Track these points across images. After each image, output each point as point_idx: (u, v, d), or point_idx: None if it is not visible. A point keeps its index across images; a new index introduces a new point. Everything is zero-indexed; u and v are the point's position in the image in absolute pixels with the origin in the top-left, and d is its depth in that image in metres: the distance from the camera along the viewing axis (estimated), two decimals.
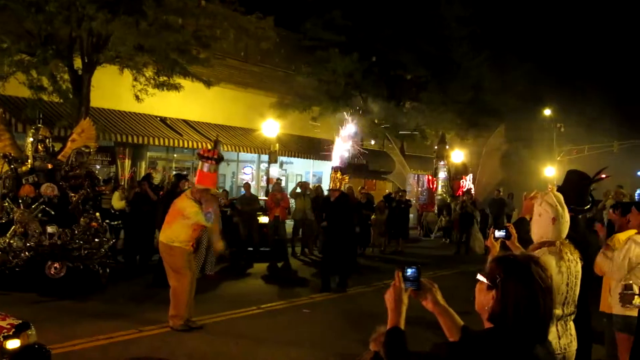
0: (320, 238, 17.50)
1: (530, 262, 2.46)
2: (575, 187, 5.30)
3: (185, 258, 9.27)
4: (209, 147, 9.51)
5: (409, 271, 2.75)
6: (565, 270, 4.17)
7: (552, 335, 4.06)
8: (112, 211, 15.19)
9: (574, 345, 4.28)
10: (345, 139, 19.35)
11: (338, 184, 13.26)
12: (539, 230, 4.33)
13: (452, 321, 2.76)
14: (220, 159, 9.71)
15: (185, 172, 20.33)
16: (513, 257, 2.54)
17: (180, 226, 9.22)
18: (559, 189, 5.44)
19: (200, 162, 9.59)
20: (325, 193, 17.69)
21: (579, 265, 4.30)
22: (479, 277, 2.54)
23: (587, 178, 5.39)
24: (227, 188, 23.82)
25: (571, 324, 4.32)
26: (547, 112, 43.85)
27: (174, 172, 19.08)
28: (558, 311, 4.12)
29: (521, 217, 5.33)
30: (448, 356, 2.48)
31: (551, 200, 4.29)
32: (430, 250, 22.04)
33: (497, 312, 2.42)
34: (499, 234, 4.59)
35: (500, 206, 25.09)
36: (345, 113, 21.40)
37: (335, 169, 14.07)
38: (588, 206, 5.45)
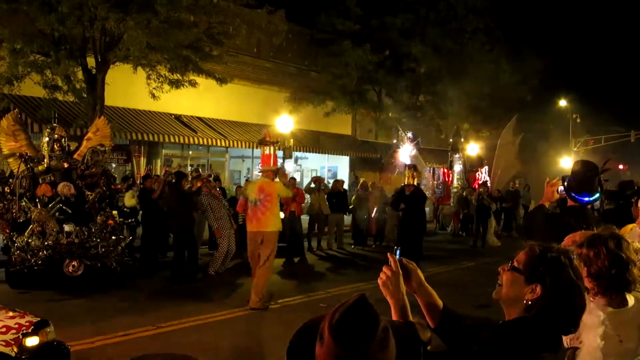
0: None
1: (569, 254, 2.48)
2: (580, 177, 5.21)
3: None
4: (265, 134, 11.45)
5: (397, 254, 2.61)
6: None
7: None
8: (124, 209, 15.26)
9: None
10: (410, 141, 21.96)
11: (412, 179, 15.28)
12: None
13: (435, 303, 2.69)
14: (277, 142, 11.67)
15: (199, 170, 20.35)
16: (552, 250, 2.49)
17: (278, 210, 10.73)
18: (564, 179, 5.36)
19: (262, 147, 11.19)
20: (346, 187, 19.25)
21: None
22: (511, 267, 2.51)
23: (594, 169, 5.27)
24: (242, 184, 23.83)
25: None
26: (563, 102, 43.53)
27: (190, 169, 19.09)
28: None
29: (540, 205, 5.26)
30: (487, 347, 2.43)
31: None
32: (446, 243, 21.95)
33: (542, 303, 2.40)
34: None
35: (515, 198, 25.09)
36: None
37: (409, 167, 16.21)
38: (595, 197, 5.34)
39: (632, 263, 2.97)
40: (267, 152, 11.01)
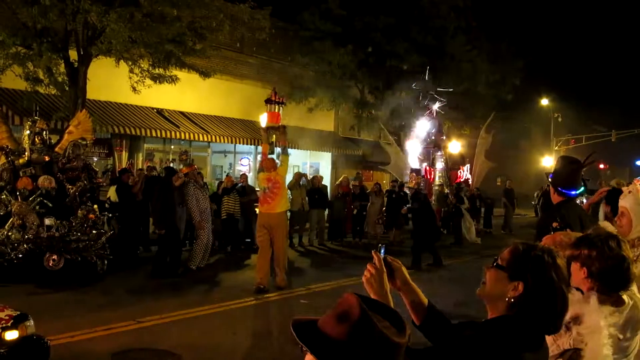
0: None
1: (554, 253, 2.49)
2: (564, 171, 5.27)
3: None
4: (271, 94, 12.52)
5: (382, 251, 2.62)
6: None
7: None
8: (106, 204, 15.20)
9: None
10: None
11: (414, 182, 16.84)
12: None
13: (419, 300, 2.70)
14: (283, 102, 12.79)
15: (187, 152, 20.10)
16: (536, 248, 2.51)
17: (286, 192, 12.12)
18: (548, 175, 5.43)
19: (268, 105, 12.27)
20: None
21: None
22: (495, 265, 2.53)
23: (577, 162, 5.35)
24: (224, 179, 23.78)
25: None
26: (545, 102, 43.76)
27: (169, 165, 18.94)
28: None
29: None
30: (470, 344, 2.44)
31: None
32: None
33: (524, 301, 2.42)
34: None
35: (510, 196, 25.72)
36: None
37: (411, 170, 18.81)
38: (580, 190, 5.41)
39: (632, 261, 3.02)
40: (274, 110, 12.12)
